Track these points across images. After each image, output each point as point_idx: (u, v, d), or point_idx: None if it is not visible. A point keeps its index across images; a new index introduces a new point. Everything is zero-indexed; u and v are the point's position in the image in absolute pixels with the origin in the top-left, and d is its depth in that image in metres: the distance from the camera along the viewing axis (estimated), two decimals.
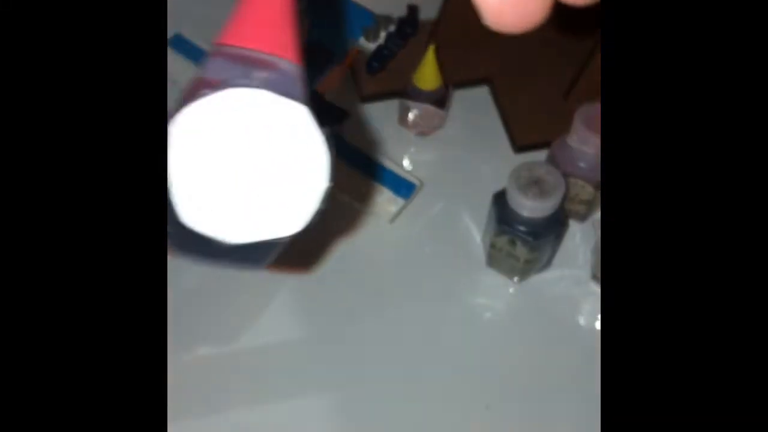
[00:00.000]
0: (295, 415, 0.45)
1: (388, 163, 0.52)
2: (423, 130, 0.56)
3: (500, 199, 0.47)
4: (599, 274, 0.49)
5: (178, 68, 0.56)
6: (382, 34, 0.51)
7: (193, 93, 0.21)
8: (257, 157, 0.21)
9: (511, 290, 0.51)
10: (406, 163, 0.55)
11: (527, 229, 0.46)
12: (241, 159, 0.21)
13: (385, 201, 0.51)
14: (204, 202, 0.21)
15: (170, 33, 0.58)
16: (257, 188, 0.21)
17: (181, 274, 0.50)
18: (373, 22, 0.51)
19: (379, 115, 0.59)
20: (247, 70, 0.21)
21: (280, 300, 0.49)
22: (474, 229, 0.53)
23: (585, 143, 0.47)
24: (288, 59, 0.21)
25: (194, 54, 0.57)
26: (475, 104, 0.60)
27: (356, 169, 0.52)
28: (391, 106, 0.59)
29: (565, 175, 0.49)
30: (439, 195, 0.55)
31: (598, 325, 0.49)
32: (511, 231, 0.46)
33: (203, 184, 0.21)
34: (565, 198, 0.48)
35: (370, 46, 0.52)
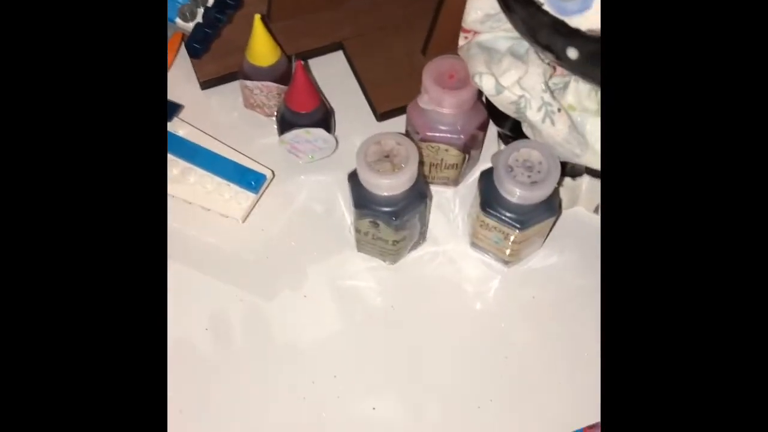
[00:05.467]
0: None
1: (232, 155, 0.46)
2: (272, 111, 0.50)
3: (354, 179, 0.42)
4: (478, 241, 0.45)
5: None
6: (199, 11, 0.45)
7: None
8: None
9: (385, 273, 0.46)
10: (259, 151, 0.50)
11: (387, 208, 0.41)
12: None
13: (233, 198, 0.45)
14: None
15: None
16: None
17: None
18: None
19: (226, 100, 0.53)
20: None
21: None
22: (346, 214, 0.48)
23: (439, 103, 0.42)
24: None
25: None
26: (332, 73, 0.54)
27: (197, 167, 0.46)
28: (238, 88, 0.53)
29: (425, 141, 0.44)
30: (300, 181, 0.50)
31: (487, 293, 0.45)
32: (371, 213, 0.41)
33: None
34: (422, 166, 0.43)
35: (189, 26, 0.45)
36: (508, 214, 0.41)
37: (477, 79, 0.39)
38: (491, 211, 0.41)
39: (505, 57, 0.39)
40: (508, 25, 0.40)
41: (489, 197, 0.41)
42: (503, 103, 0.39)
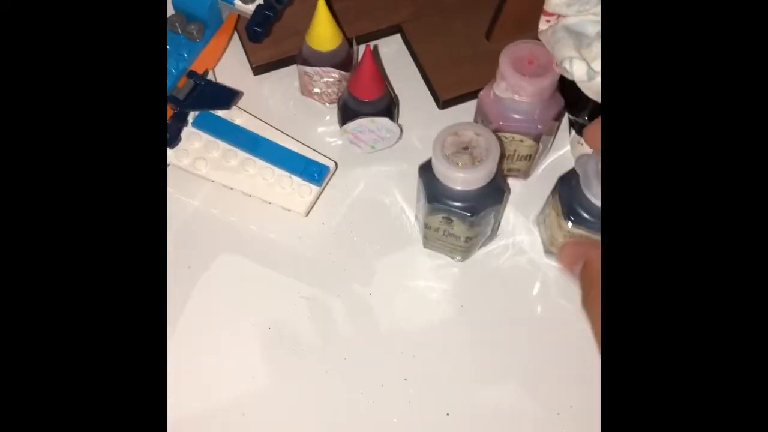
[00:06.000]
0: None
1: (294, 145, 0.44)
2: (331, 99, 0.48)
3: (427, 172, 0.39)
4: (552, 238, 0.43)
5: None
6: None
7: None
8: None
9: (455, 270, 0.44)
10: (316, 140, 0.47)
11: (463, 204, 0.39)
12: None
13: (295, 191, 0.43)
14: None
15: None
16: None
17: None
18: None
19: (280, 86, 0.50)
20: None
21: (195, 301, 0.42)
22: (405, 207, 0.46)
23: (517, 91, 0.40)
24: None
25: None
26: (389, 58, 0.52)
27: (257, 157, 0.44)
28: (293, 74, 0.50)
29: (499, 131, 0.42)
30: (357, 172, 0.47)
31: (554, 295, 0.43)
32: (445, 208, 0.39)
33: None
34: (502, 159, 0.41)
35: (249, 8, 0.43)
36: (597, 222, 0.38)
37: (566, 65, 0.37)
38: (576, 219, 0.38)
39: (595, 41, 0.36)
40: (597, 8, 0.38)
41: (573, 204, 0.38)
42: (595, 89, 0.37)
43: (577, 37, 0.37)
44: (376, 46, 0.50)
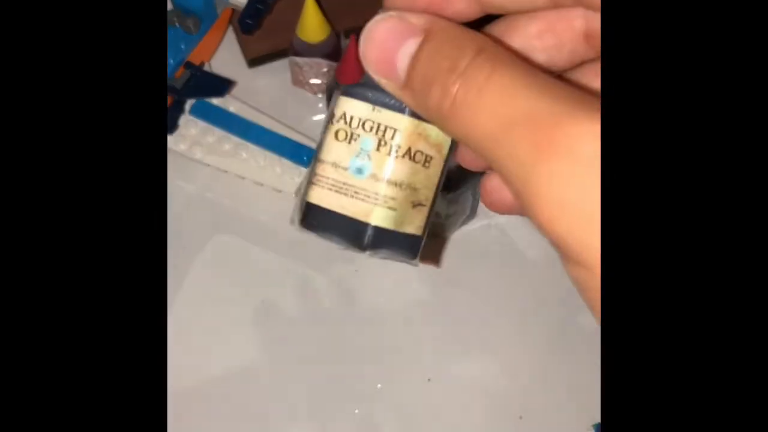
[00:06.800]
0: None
1: (284, 130, 0.47)
2: (321, 89, 0.51)
3: None
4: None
5: None
6: None
7: None
8: None
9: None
10: (308, 127, 0.50)
11: None
12: None
13: (286, 173, 0.46)
14: None
15: None
16: None
17: None
18: None
19: (273, 78, 0.53)
20: None
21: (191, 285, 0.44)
22: None
23: None
24: None
25: None
26: None
27: (250, 142, 0.46)
28: (285, 65, 0.53)
29: None
30: None
31: (534, 272, 0.45)
32: None
33: None
34: None
35: (241, 1, 0.45)
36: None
37: None
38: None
39: None
40: None
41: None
42: None
43: None
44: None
